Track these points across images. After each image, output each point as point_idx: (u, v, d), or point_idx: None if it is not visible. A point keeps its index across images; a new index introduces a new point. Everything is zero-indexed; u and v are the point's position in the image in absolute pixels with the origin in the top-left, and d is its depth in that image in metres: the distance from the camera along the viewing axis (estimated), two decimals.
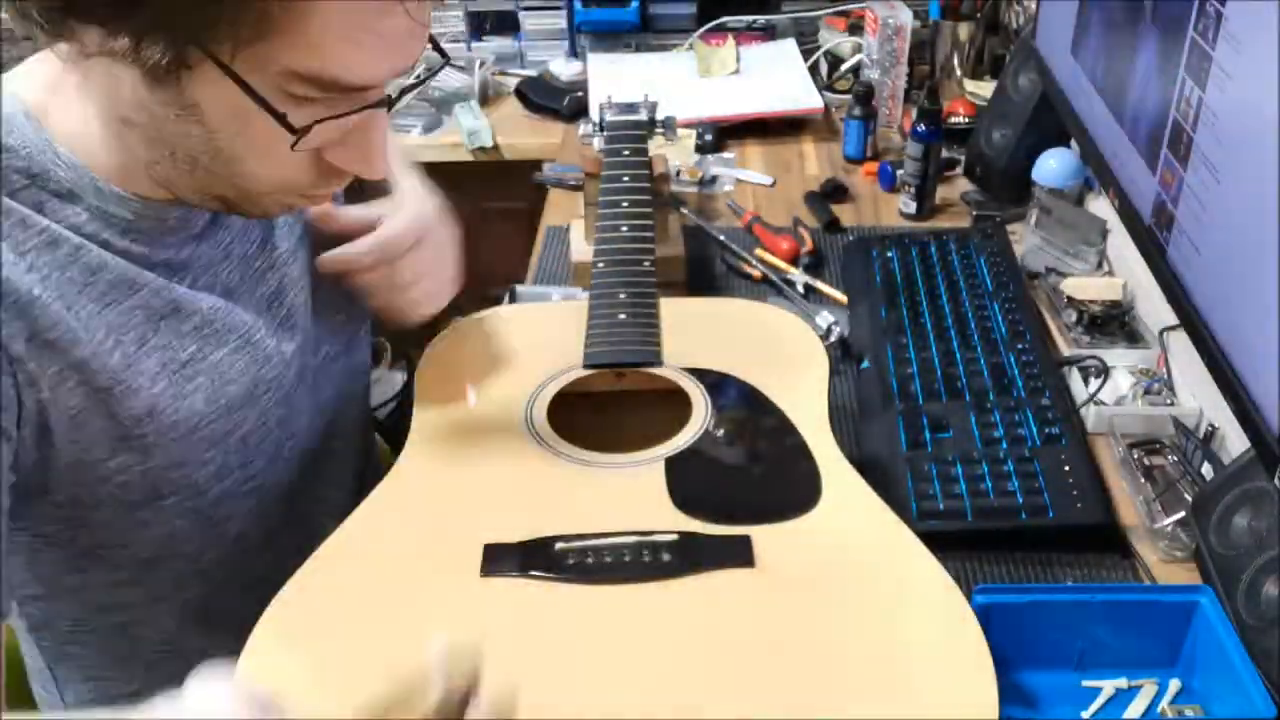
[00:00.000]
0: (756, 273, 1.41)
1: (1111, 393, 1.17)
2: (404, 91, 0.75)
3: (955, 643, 0.72)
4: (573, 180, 1.60)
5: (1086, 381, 1.19)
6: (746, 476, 0.89)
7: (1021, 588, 0.94)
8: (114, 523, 0.81)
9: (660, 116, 1.41)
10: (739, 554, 0.78)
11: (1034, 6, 1.59)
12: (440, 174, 1.96)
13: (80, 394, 0.73)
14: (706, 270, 1.44)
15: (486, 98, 1.93)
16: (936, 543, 1.00)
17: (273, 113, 0.66)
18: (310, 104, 0.67)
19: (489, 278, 1.73)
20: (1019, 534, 1.00)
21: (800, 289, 1.38)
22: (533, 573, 0.77)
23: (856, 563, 0.79)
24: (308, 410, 0.91)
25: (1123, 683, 0.89)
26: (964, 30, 1.85)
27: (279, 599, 0.76)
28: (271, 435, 0.86)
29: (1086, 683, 0.89)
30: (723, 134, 1.78)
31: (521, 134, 1.84)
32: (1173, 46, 0.95)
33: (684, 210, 1.51)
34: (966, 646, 0.71)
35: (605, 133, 1.37)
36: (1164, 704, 0.88)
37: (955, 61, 1.87)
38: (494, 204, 2.03)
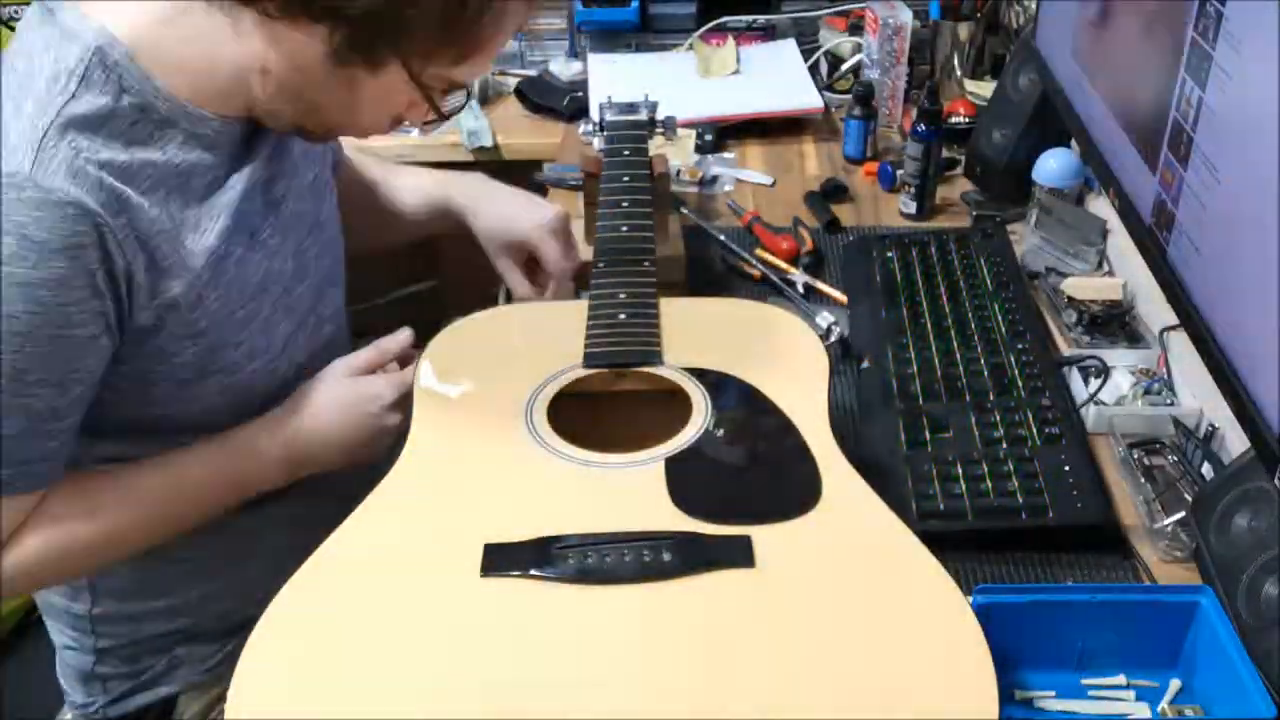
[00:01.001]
0: (756, 272, 1.41)
1: (1111, 393, 1.17)
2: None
3: (955, 644, 0.72)
4: (572, 180, 1.60)
5: (1086, 381, 1.19)
6: (746, 477, 0.89)
7: (1021, 588, 0.94)
8: (164, 398, 0.95)
9: (660, 116, 1.41)
10: (739, 554, 0.77)
11: (1034, 6, 1.59)
12: None
13: (171, 298, 0.89)
14: (706, 270, 1.44)
15: (486, 98, 1.93)
16: (936, 543, 0.99)
17: (434, 106, 0.92)
18: (444, 94, 0.93)
19: (489, 278, 1.73)
20: (1019, 534, 1.00)
21: (800, 289, 1.38)
22: (533, 573, 0.76)
23: (857, 563, 0.79)
24: (308, 300, 1.05)
25: (1121, 679, 0.89)
26: (964, 30, 1.85)
27: (279, 599, 0.76)
28: (281, 325, 1.00)
29: (1086, 682, 0.89)
30: (723, 134, 1.78)
31: (521, 134, 1.84)
32: (1173, 46, 0.95)
33: (684, 210, 1.51)
34: (967, 648, 0.71)
35: (605, 133, 1.37)
36: (1164, 704, 0.88)
37: (955, 61, 1.87)
38: None
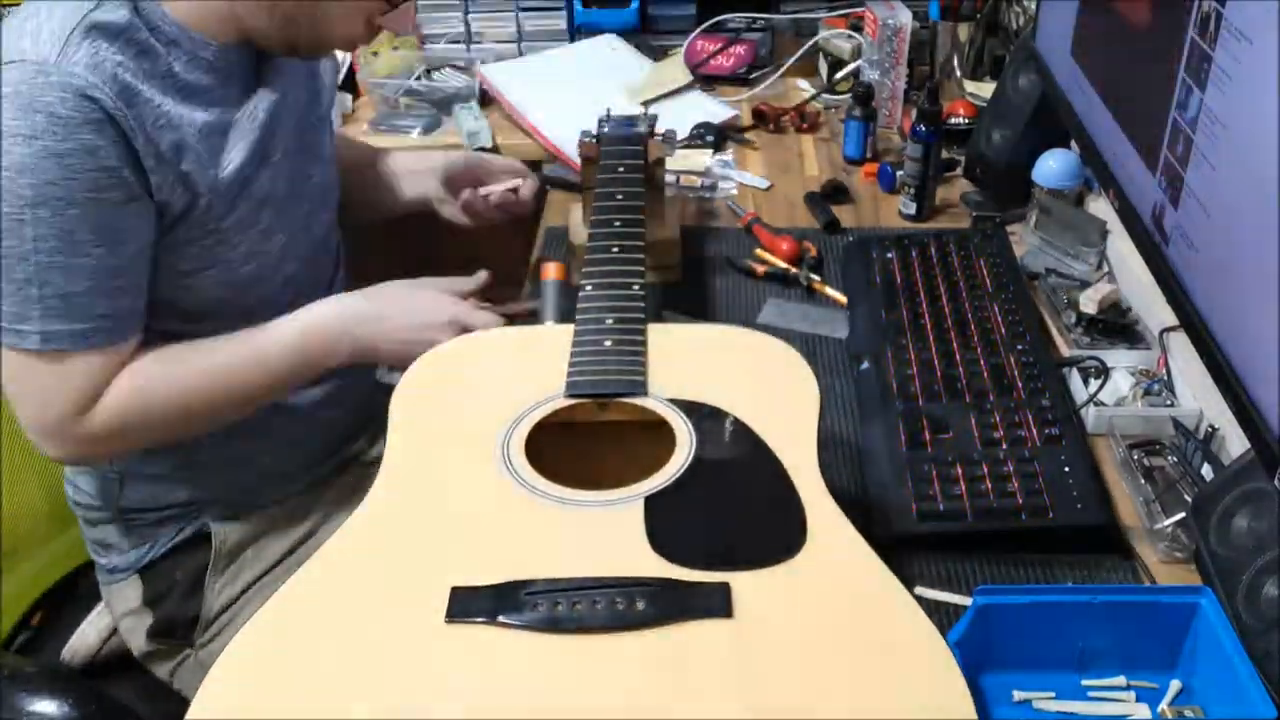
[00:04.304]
0: (760, 269, 1.41)
1: (1111, 393, 1.17)
2: None
3: (939, 702, 0.69)
4: (573, 179, 1.60)
5: (1086, 382, 1.19)
6: (728, 519, 0.85)
7: (1021, 588, 0.94)
8: (163, 284, 1.05)
9: (661, 129, 1.39)
10: (716, 604, 0.75)
11: (1034, 7, 1.60)
12: None
13: (187, 193, 1.02)
14: (706, 268, 1.44)
15: (486, 99, 1.93)
16: (936, 543, 1.01)
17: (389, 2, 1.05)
18: None
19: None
20: (1019, 535, 1.00)
21: (803, 281, 1.38)
22: (500, 619, 0.74)
23: (838, 616, 0.76)
24: (301, 219, 1.17)
25: (1121, 680, 0.89)
26: (964, 31, 1.85)
27: (236, 641, 0.74)
28: (276, 235, 1.12)
29: (1086, 683, 0.89)
30: (723, 135, 1.78)
31: (521, 135, 1.83)
32: (1172, 47, 0.95)
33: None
34: (950, 705, 0.69)
35: (602, 146, 1.34)
36: (1164, 705, 0.88)
37: (955, 62, 1.87)
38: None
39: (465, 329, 1.09)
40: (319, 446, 1.25)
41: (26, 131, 0.92)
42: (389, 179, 1.40)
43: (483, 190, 1.33)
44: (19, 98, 0.92)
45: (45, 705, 0.97)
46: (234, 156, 1.05)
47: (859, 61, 1.85)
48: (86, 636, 1.27)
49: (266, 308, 1.11)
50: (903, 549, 0.99)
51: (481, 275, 1.19)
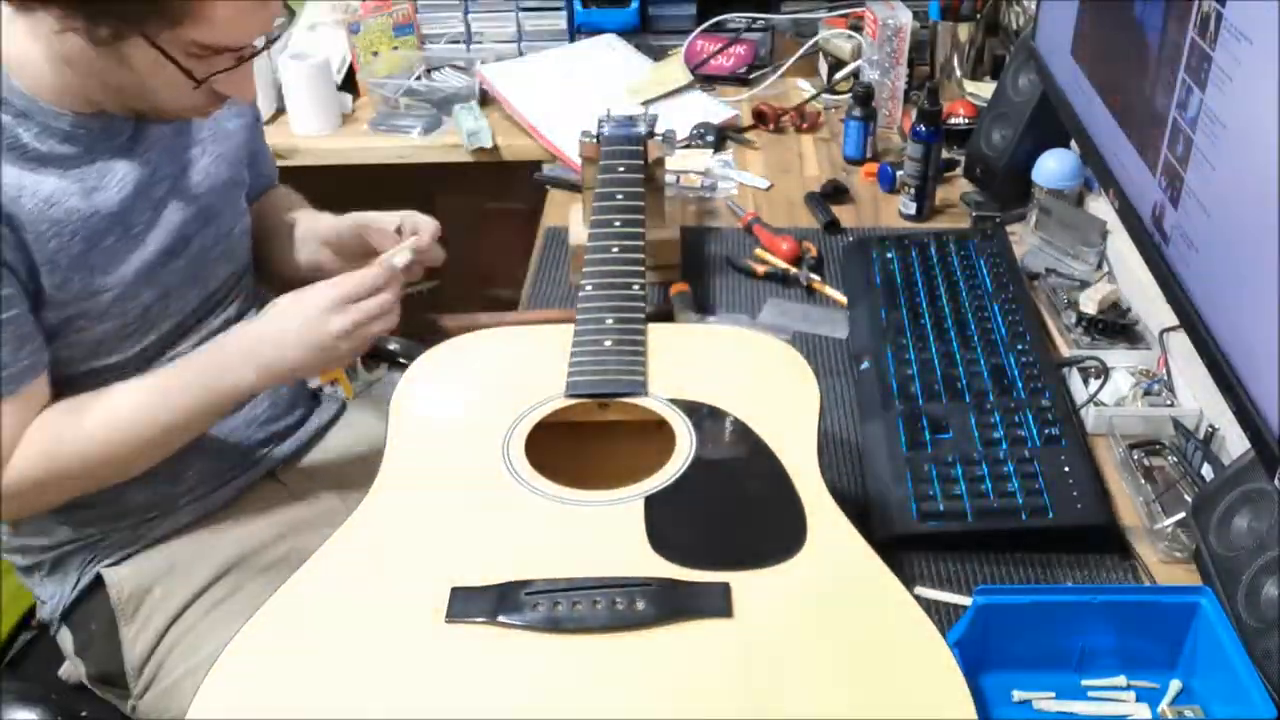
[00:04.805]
0: (760, 269, 1.41)
1: (1111, 393, 1.17)
2: (268, 43, 1.04)
3: (939, 702, 0.70)
4: (573, 180, 1.60)
5: (1086, 382, 1.19)
6: (728, 519, 0.85)
7: (1021, 588, 0.94)
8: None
9: (661, 129, 1.39)
10: (716, 604, 0.75)
11: (1034, 7, 1.59)
12: (440, 175, 1.97)
13: (35, 268, 1.00)
14: (706, 268, 1.44)
15: (486, 99, 1.93)
16: (937, 543, 1.01)
17: (185, 71, 0.98)
18: (207, 60, 0.98)
19: (489, 278, 1.73)
20: (1019, 535, 1.00)
21: (803, 281, 1.38)
22: (500, 619, 0.74)
23: (838, 616, 0.76)
24: (182, 276, 1.14)
25: (1121, 680, 0.89)
26: (964, 31, 1.85)
27: (236, 641, 0.74)
28: (143, 294, 1.10)
29: (1086, 683, 0.89)
30: (723, 135, 1.78)
31: (521, 135, 1.83)
32: (1173, 47, 0.95)
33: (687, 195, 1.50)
34: (950, 705, 0.69)
35: (603, 147, 1.34)
36: (1164, 705, 0.88)
37: (955, 62, 1.87)
38: (494, 204, 2.03)
39: (360, 326, 1.04)
40: (204, 473, 1.18)
41: None
42: (294, 243, 1.31)
43: (381, 258, 1.14)
44: None
45: (26, 716, 0.97)
46: (79, 242, 1.03)
47: (859, 61, 1.85)
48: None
49: (160, 345, 1.12)
50: (903, 549, 0.99)
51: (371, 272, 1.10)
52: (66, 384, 1.06)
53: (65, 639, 1.18)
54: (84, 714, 1.03)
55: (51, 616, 1.18)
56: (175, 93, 1.00)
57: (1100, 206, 1.43)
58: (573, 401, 0.95)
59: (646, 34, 2.05)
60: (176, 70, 0.97)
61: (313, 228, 1.29)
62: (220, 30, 0.96)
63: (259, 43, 1.02)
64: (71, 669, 1.22)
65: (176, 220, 1.12)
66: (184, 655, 1.11)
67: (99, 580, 1.14)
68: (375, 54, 1.95)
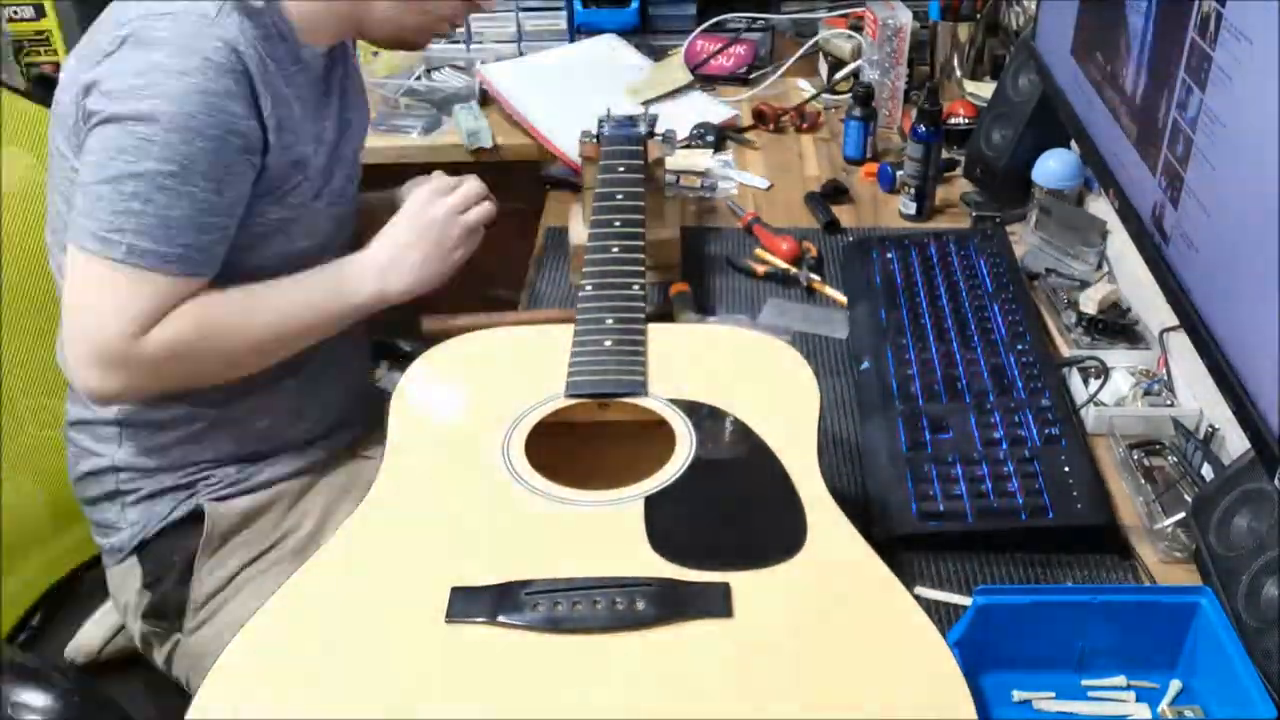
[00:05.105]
0: (760, 269, 1.41)
1: (1111, 393, 1.17)
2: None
3: (939, 702, 0.69)
4: (573, 180, 1.60)
5: (1086, 382, 1.19)
6: (728, 519, 0.85)
7: (1022, 588, 0.94)
8: (236, 247, 1.13)
9: (661, 129, 1.38)
10: (716, 604, 0.75)
11: (1034, 7, 1.60)
12: None
13: (281, 169, 1.12)
14: (706, 268, 1.44)
15: (486, 99, 1.92)
16: (937, 543, 1.01)
17: None
18: None
19: (489, 278, 1.73)
20: (1019, 535, 1.00)
21: (803, 281, 1.38)
22: (500, 619, 0.74)
23: (838, 616, 0.76)
24: (347, 212, 1.28)
25: (1121, 680, 0.89)
26: (964, 31, 1.85)
27: (237, 640, 0.74)
28: (330, 226, 1.22)
29: (1086, 683, 0.89)
30: (723, 135, 1.78)
31: (521, 135, 1.83)
32: (1172, 47, 0.95)
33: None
34: (950, 705, 0.69)
35: (603, 147, 1.34)
36: (1164, 705, 0.88)
37: (955, 62, 1.87)
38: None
39: (459, 212, 1.22)
40: (316, 421, 1.27)
41: (179, 68, 1.01)
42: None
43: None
44: (179, 39, 1.02)
45: (31, 696, 0.97)
46: (321, 149, 1.16)
47: (859, 61, 1.85)
48: (90, 635, 1.27)
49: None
50: (903, 549, 0.99)
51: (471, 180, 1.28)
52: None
53: (129, 572, 1.21)
54: (93, 691, 1.03)
55: (125, 545, 1.20)
56: (419, 14, 1.18)
57: (1100, 206, 1.43)
58: (573, 401, 0.95)
59: (646, 34, 2.06)
60: None
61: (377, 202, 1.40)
62: None
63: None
64: (77, 648, 1.25)
65: (351, 159, 1.27)
66: (246, 600, 1.17)
67: (190, 515, 1.19)
68: (375, 54, 1.95)
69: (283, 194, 1.13)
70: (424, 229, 1.20)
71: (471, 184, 1.25)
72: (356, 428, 1.33)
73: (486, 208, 1.25)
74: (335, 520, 1.22)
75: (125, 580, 1.22)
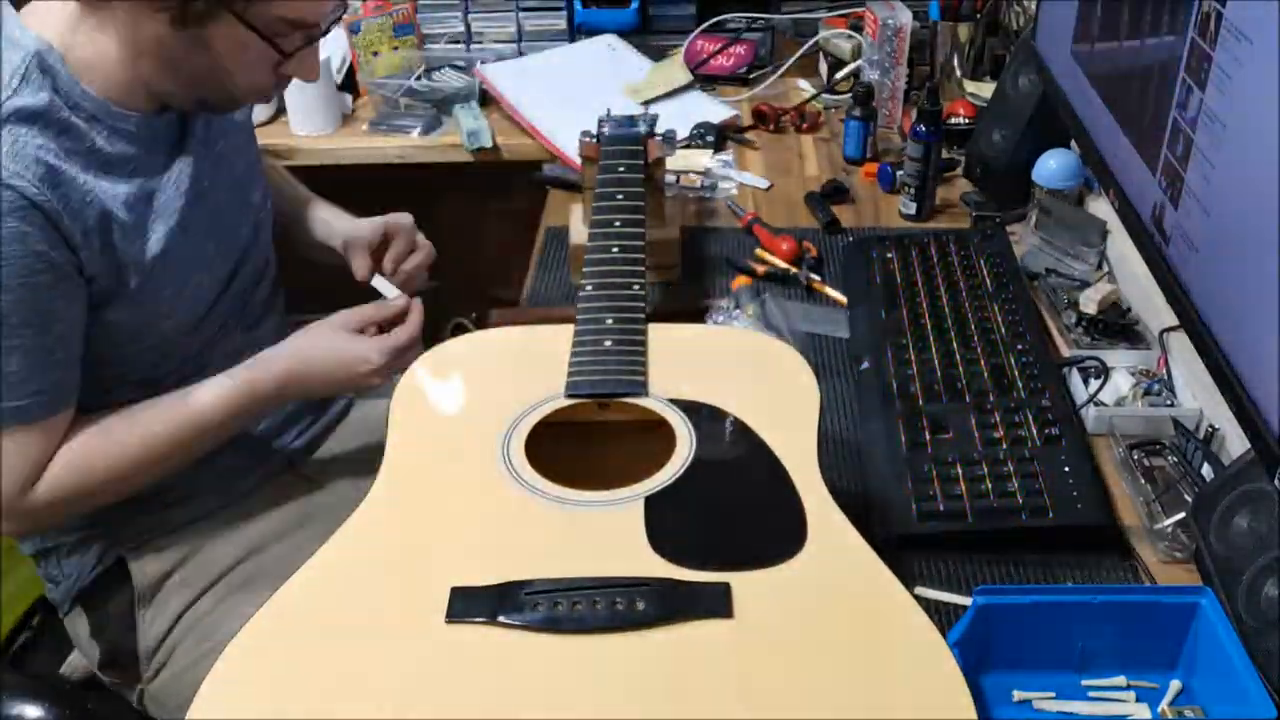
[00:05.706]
0: (760, 269, 1.41)
1: (1111, 393, 1.17)
2: (331, 24, 1.08)
3: (939, 702, 0.69)
4: (572, 179, 1.60)
5: (1086, 382, 1.19)
6: (728, 519, 0.85)
7: (1021, 588, 0.94)
8: (98, 355, 1.07)
9: (661, 129, 1.38)
10: (717, 604, 0.75)
11: (1034, 7, 1.59)
12: (440, 175, 1.97)
13: (114, 269, 1.03)
14: (706, 268, 1.44)
15: (486, 99, 1.93)
16: (937, 543, 1.01)
17: (275, 47, 1.02)
18: (286, 37, 1.02)
19: (489, 278, 1.73)
20: (1019, 535, 1.00)
21: (803, 281, 1.38)
22: (500, 619, 0.74)
23: (838, 616, 0.76)
24: (226, 264, 1.18)
25: (1121, 680, 0.89)
26: (964, 31, 1.85)
27: (237, 641, 0.74)
28: (203, 291, 1.13)
29: (1087, 683, 0.89)
30: (723, 135, 1.78)
31: (521, 134, 1.83)
32: (1172, 47, 0.95)
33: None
34: (950, 705, 0.69)
35: (603, 147, 1.34)
36: (1164, 705, 0.88)
37: (955, 62, 1.87)
38: (494, 204, 2.03)
39: (390, 359, 1.11)
40: (232, 458, 1.19)
41: None
42: (308, 222, 1.36)
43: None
44: None
45: (30, 710, 0.98)
46: (159, 227, 1.06)
47: (859, 61, 1.85)
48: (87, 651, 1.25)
49: (203, 348, 1.15)
50: (903, 549, 0.99)
51: (401, 301, 1.18)
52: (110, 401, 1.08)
53: (78, 622, 1.20)
54: (89, 707, 1.03)
55: (65, 597, 1.19)
56: (252, 74, 1.04)
57: (1100, 206, 1.43)
58: (573, 401, 0.95)
59: (646, 34, 2.05)
60: (258, 50, 1.01)
61: (328, 213, 1.34)
62: (303, 5, 1.01)
63: (324, 23, 1.06)
64: (74, 664, 1.23)
65: (222, 201, 1.16)
66: (198, 640, 1.14)
67: (119, 562, 1.16)
68: (375, 54, 1.95)
69: (126, 294, 1.05)
70: (345, 381, 1.13)
71: (411, 334, 1.14)
72: (291, 448, 1.28)
73: (413, 356, 1.09)
74: (292, 543, 1.18)
75: (76, 629, 1.21)
